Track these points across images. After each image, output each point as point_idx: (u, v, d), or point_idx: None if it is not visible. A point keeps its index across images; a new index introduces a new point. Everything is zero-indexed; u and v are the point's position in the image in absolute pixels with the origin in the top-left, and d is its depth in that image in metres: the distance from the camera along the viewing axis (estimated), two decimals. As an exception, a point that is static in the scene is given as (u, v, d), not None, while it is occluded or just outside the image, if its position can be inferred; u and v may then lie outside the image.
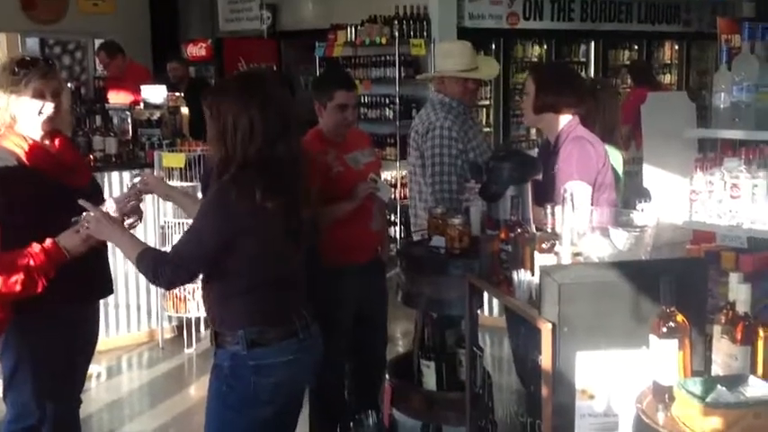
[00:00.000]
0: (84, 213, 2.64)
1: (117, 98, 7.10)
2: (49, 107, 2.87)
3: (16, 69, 2.83)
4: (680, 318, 2.09)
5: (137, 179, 3.05)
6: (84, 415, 4.29)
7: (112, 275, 5.09)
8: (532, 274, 2.50)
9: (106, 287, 3.22)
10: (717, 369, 2.12)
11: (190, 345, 5.52)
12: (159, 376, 5.22)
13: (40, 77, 2.84)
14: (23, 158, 2.84)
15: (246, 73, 2.84)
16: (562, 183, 3.17)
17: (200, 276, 2.68)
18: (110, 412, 4.66)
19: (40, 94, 2.85)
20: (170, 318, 5.70)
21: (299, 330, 2.62)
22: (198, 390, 4.87)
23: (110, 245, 2.91)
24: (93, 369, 5.01)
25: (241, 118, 2.49)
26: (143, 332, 5.70)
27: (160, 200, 5.43)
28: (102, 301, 5.15)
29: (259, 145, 2.49)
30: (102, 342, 5.32)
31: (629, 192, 4.05)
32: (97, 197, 3.14)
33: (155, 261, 2.57)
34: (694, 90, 9.91)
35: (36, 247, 2.59)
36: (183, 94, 6.76)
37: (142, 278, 5.44)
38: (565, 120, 3.34)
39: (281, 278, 2.61)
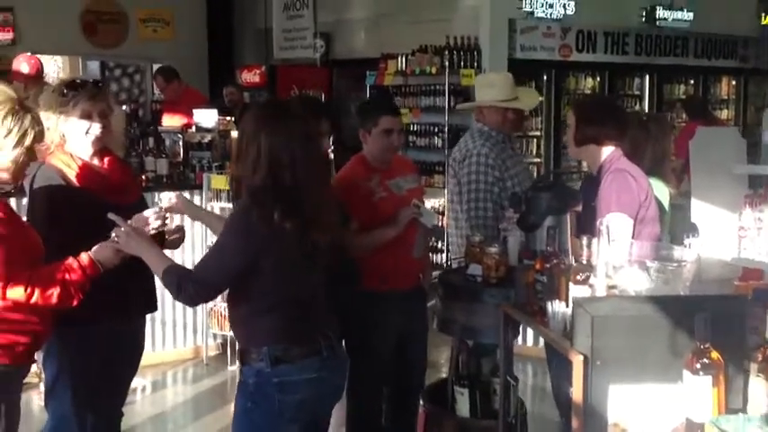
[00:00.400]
0: (115, 228, 2.72)
1: (171, 121, 7.26)
2: (96, 127, 2.97)
3: (65, 91, 2.94)
4: (714, 355, 2.06)
5: (164, 198, 3.13)
6: (128, 427, 4.38)
7: (159, 292, 5.19)
8: (567, 306, 2.49)
9: (148, 304, 3.28)
10: (753, 408, 2.09)
11: (234, 362, 5.57)
12: (203, 392, 5.30)
13: (88, 99, 2.95)
14: (70, 177, 2.93)
15: (270, 102, 2.92)
16: (602, 214, 3.16)
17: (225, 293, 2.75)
18: (153, 426, 4.74)
19: (87, 115, 2.95)
20: (215, 335, 5.78)
21: (322, 349, 2.65)
22: (238, 409, 4.93)
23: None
24: (139, 383, 5.13)
25: (251, 144, 2.60)
26: (188, 348, 5.79)
27: (208, 220, 5.55)
28: (149, 317, 5.32)
29: (264, 172, 2.58)
30: (148, 357, 5.43)
31: (676, 226, 4.01)
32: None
33: (179, 277, 2.63)
34: (751, 126, 9.77)
35: (72, 260, 2.67)
36: (235, 119, 6.88)
37: (188, 296, 5.63)
38: (607, 151, 3.34)
39: (301, 298, 2.65)
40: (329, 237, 2.67)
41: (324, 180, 2.79)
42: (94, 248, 2.73)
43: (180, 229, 3.22)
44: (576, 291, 2.46)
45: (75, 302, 2.67)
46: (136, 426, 4.64)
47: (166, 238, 3.05)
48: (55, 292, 2.60)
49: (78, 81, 3.01)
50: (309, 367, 2.62)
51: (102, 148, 3.05)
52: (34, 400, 4.38)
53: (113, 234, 2.72)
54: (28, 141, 2.58)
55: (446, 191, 7.83)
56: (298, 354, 2.62)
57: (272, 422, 2.61)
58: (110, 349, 3.05)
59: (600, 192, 3.23)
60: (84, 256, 2.69)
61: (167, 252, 2.91)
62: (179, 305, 5.60)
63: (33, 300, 2.57)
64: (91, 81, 3.10)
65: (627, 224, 3.15)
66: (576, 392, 2.29)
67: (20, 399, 2.81)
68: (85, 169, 2.98)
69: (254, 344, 2.64)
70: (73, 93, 2.94)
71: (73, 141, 2.98)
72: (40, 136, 2.64)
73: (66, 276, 2.63)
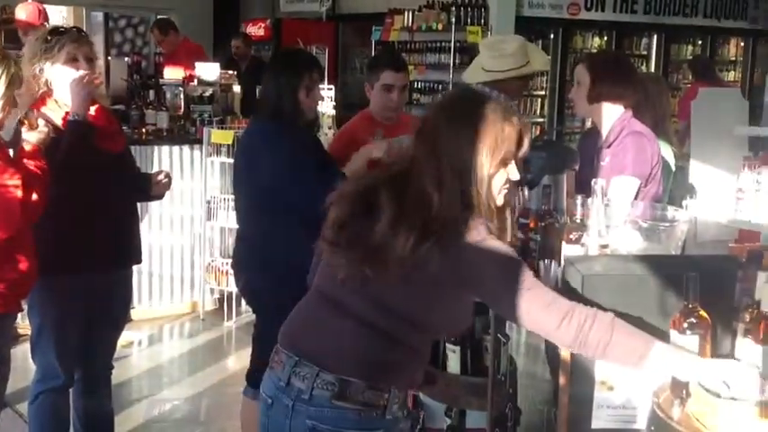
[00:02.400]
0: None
1: (172, 74, 7.21)
2: (81, 69, 2.94)
3: (49, 38, 2.93)
4: (702, 314, 2.06)
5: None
6: (123, 379, 4.45)
7: (155, 247, 5.23)
8: (559, 265, 2.48)
9: (132, 255, 3.25)
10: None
11: (230, 317, 5.62)
12: (198, 346, 5.33)
13: (72, 42, 2.94)
14: (58, 123, 2.91)
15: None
16: (614, 175, 3.13)
17: None
18: (148, 379, 4.77)
19: (72, 59, 2.94)
20: (212, 290, 5.80)
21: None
22: (235, 362, 4.98)
23: (146, 217, 2.98)
24: (134, 337, 5.16)
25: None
26: (185, 303, 5.81)
27: (207, 175, 5.55)
28: (146, 271, 5.39)
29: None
30: (145, 311, 5.51)
31: (675, 188, 3.98)
32: (131, 164, 3.23)
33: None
34: (757, 88, 9.66)
35: None
36: (244, 71, 6.81)
37: (186, 250, 5.67)
38: (619, 111, 3.28)
39: None
40: None
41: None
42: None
43: (166, 175, 3.22)
44: (568, 250, 2.45)
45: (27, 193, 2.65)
46: (131, 378, 4.68)
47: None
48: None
49: (62, 28, 3.01)
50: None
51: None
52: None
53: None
54: (11, 89, 2.58)
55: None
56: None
57: None
58: (92, 301, 3.06)
59: (613, 153, 3.19)
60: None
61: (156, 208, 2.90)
62: (176, 259, 5.67)
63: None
64: (74, 28, 3.09)
65: (634, 186, 3.13)
66: (565, 351, 2.29)
67: (9, 347, 2.83)
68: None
69: None
70: (57, 38, 2.93)
71: (60, 88, 2.97)
72: (20, 83, 2.64)
73: None
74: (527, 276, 1.99)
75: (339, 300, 2.05)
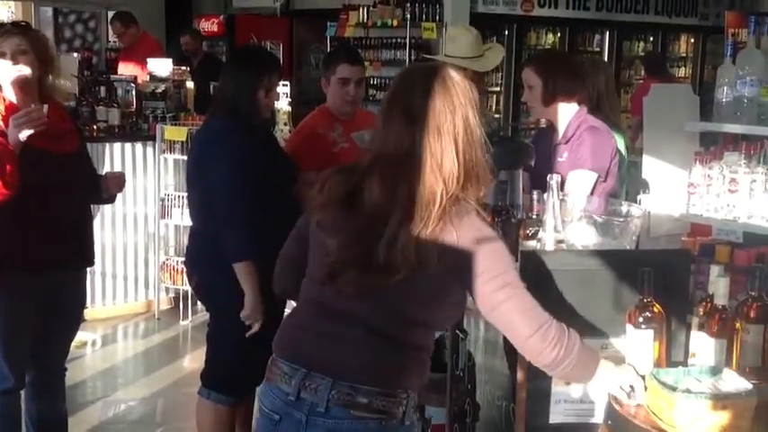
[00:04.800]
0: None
1: (126, 70, 7.11)
2: (7, 65, 2.86)
3: None
4: (657, 308, 2.08)
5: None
6: (77, 380, 4.38)
7: (109, 245, 5.14)
8: (516, 260, 2.49)
9: (84, 257, 3.19)
10: (694, 361, 2.12)
11: (186, 317, 5.55)
12: (154, 346, 5.26)
13: (0, 36, 2.86)
14: (1, 125, 2.84)
15: None
16: (573, 170, 3.18)
17: None
18: (103, 380, 4.70)
19: (0, 54, 2.86)
20: (167, 289, 5.72)
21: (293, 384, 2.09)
22: (191, 361, 4.91)
23: (99, 216, 2.92)
24: (89, 337, 5.08)
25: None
26: (140, 302, 5.73)
27: (161, 172, 5.47)
28: (99, 271, 5.30)
29: None
30: (99, 311, 5.42)
31: (629, 183, 4.03)
32: (86, 165, 3.16)
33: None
34: (708, 84, 9.83)
35: None
36: (195, 68, 6.74)
37: (140, 249, 5.59)
38: (574, 108, 3.32)
39: None
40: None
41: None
42: None
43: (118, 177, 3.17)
44: (525, 245, 2.47)
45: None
46: (86, 380, 4.60)
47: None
48: None
49: (2, 22, 2.93)
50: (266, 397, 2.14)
51: (44, 94, 2.97)
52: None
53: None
54: None
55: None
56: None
57: None
58: (42, 302, 3.00)
59: (571, 149, 3.22)
60: None
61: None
62: (129, 258, 5.59)
63: None
64: (13, 22, 3.02)
65: (591, 180, 3.17)
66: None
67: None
68: (11, 113, 2.86)
69: None
70: None
71: (2, 85, 2.90)
72: None
73: None
74: (516, 275, 1.96)
75: (343, 310, 1.97)
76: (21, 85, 2.89)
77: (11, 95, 2.90)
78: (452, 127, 1.91)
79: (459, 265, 1.90)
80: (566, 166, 3.22)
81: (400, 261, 1.87)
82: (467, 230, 1.89)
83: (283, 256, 2.19)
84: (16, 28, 2.92)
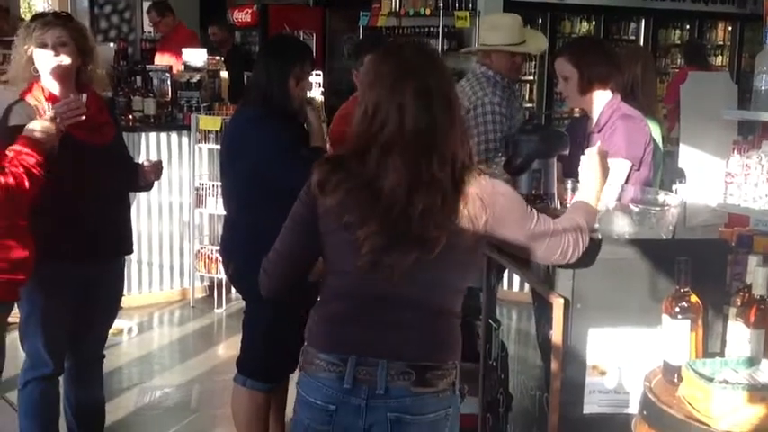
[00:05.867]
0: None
1: (162, 60, 7.17)
2: (48, 54, 2.89)
3: (30, 23, 2.91)
4: (693, 298, 2.07)
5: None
6: (114, 367, 4.44)
7: (144, 234, 5.19)
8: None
9: (122, 247, 3.23)
10: (731, 352, 2.10)
11: (220, 305, 5.61)
12: (189, 334, 5.32)
13: (41, 27, 2.89)
14: (41, 113, 2.87)
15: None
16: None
17: None
18: (139, 366, 4.76)
19: (42, 45, 2.89)
20: (202, 278, 5.78)
21: (346, 374, 2.06)
22: (225, 349, 4.96)
23: (135, 205, 2.95)
24: (125, 324, 5.15)
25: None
26: (176, 290, 5.79)
27: (195, 161, 5.52)
28: (135, 259, 5.37)
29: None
30: (135, 299, 5.49)
31: (665, 172, 3.98)
32: (122, 154, 3.20)
33: None
34: (745, 73, 9.68)
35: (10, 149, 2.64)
36: (224, 59, 6.79)
37: (176, 237, 5.64)
38: (607, 96, 3.28)
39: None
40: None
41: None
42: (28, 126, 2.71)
43: (156, 165, 3.19)
44: (558, 234, 2.45)
45: (26, 186, 2.61)
46: (122, 366, 4.67)
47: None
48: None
49: (43, 12, 2.96)
50: (317, 389, 2.09)
51: (82, 84, 3.00)
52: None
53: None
54: None
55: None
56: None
57: None
58: (81, 290, 3.04)
59: (606, 137, 3.17)
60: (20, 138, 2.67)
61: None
62: (165, 247, 5.65)
63: None
64: (55, 12, 3.03)
65: (625, 169, 3.13)
66: (556, 335, 2.30)
67: (4, 336, 2.81)
68: (51, 103, 2.89)
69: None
70: (34, 24, 2.90)
71: (42, 74, 2.94)
72: None
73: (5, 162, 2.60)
74: (532, 210, 2.10)
75: (390, 295, 2.00)
76: (61, 75, 2.93)
77: (50, 86, 2.94)
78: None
79: (488, 220, 1.99)
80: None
81: (436, 230, 1.93)
82: (484, 187, 2.00)
83: (282, 255, 2.15)
84: (58, 19, 2.95)
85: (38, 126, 2.72)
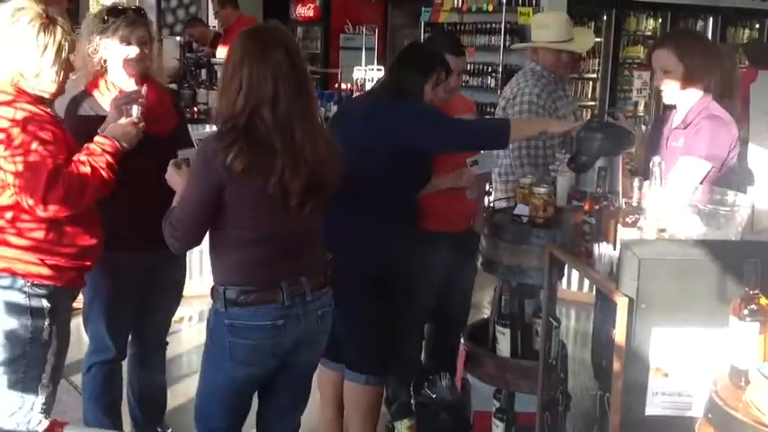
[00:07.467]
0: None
1: (222, 53, 7.24)
2: (133, 51, 2.97)
3: (106, 17, 2.96)
4: (763, 301, 2.01)
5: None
6: (174, 354, 4.49)
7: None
8: (614, 248, 2.45)
9: None
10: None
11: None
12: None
13: (128, 26, 2.96)
14: (105, 107, 2.94)
15: (257, 28, 2.65)
16: (684, 156, 3.07)
17: None
18: (198, 354, 4.74)
19: (126, 41, 2.96)
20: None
21: (285, 297, 2.50)
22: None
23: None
24: (186, 312, 5.22)
25: (234, 76, 2.41)
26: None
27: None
28: (197, 248, 5.41)
29: (242, 105, 2.39)
30: (196, 287, 5.53)
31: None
32: (184, 144, 3.23)
33: (166, 219, 2.55)
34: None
35: (92, 146, 2.70)
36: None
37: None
38: (699, 93, 3.17)
39: (270, 242, 2.50)
40: (304, 180, 2.44)
41: (309, 118, 2.51)
42: (110, 127, 2.77)
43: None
44: (624, 233, 2.42)
45: (108, 187, 2.68)
46: (182, 354, 4.74)
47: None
48: (88, 186, 2.62)
49: (120, 8, 3.02)
50: (267, 315, 2.49)
51: (144, 76, 3.05)
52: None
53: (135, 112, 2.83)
54: (64, 54, 2.60)
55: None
56: (253, 299, 2.48)
57: (224, 362, 2.53)
58: (144, 278, 3.10)
59: (690, 134, 3.10)
60: (100, 138, 2.72)
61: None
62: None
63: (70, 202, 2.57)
64: (132, 8, 3.09)
65: (704, 169, 3.04)
66: (619, 335, 2.27)
67: (69, 321, 2.88)
68: None
69: (217, 282, 2.54)
70: (113, 19, 2.95)
71: (112, 69, 3.00)
72: (72, 46, 2.64)
73: (93, 162, 2.65)
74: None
75: (305, 229, 2.60)
76: (140, 73, 2.99)
77: (118, 80, 3.00)
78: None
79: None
80: (680, 152, 3.10)
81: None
82: None
83: (205, 224, 2.50)
84: (142, 17, 3.03)
85: (119, 131, 2.77)
